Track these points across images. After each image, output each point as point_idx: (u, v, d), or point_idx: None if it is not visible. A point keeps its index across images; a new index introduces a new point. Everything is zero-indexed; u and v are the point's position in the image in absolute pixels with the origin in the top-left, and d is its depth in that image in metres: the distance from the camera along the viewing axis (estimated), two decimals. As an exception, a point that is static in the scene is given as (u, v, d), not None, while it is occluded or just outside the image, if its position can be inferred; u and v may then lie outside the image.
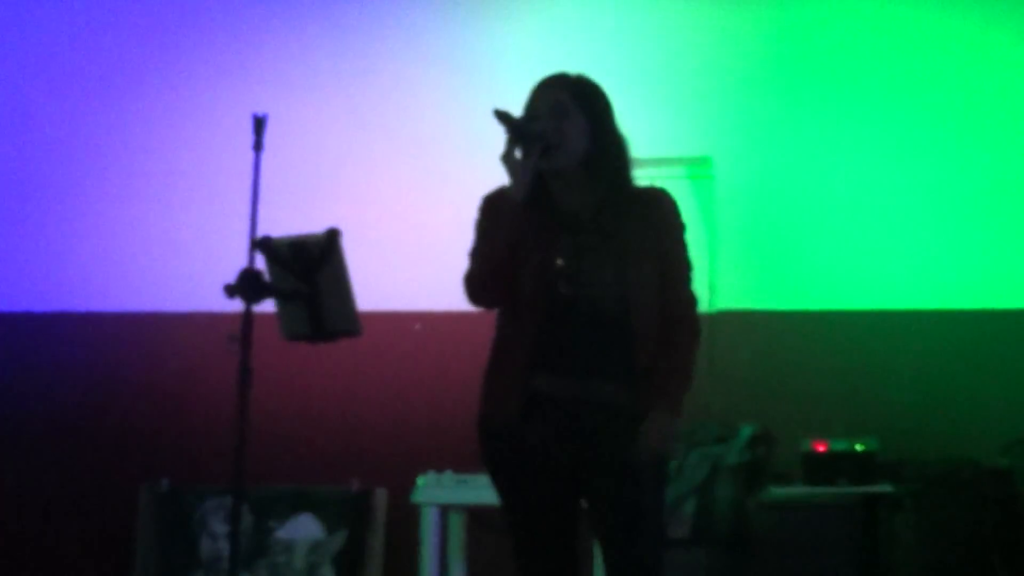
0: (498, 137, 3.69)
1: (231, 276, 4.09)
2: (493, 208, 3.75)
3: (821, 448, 6.58)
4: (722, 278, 7.07)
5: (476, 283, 3.69)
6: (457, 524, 6.26)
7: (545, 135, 3.66)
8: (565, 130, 3.69)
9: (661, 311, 3.72)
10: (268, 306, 4.19)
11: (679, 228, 3.82)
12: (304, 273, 4.03)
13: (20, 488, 7.29)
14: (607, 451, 3.65)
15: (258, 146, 4.13)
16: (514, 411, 3.67)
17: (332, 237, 4.06)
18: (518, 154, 3.65)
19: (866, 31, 7.40)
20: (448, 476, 6.11)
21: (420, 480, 6.18)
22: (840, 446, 6.57)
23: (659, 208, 3.81)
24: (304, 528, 7.09)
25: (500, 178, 3.74)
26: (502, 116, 3.64)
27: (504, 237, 3.63)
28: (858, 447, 6.56)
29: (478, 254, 3.71)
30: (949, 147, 7.30)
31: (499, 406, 3.71)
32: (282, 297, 4.05)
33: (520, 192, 3.62)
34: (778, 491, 6.57)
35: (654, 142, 7.02)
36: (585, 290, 3.67)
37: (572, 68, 3.86)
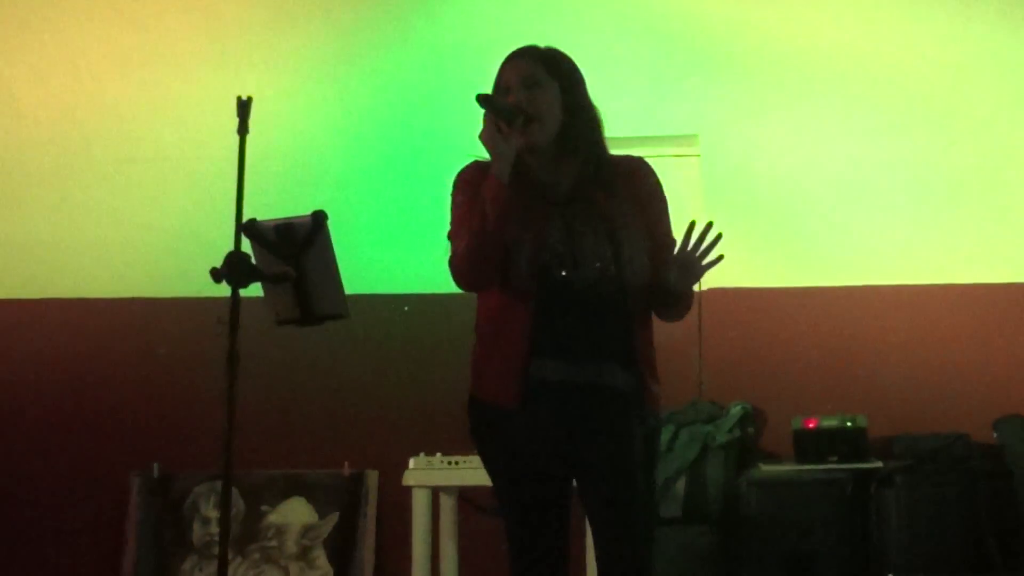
0: (480, 118, 3.66)
1: (217, 260, 4.07)
2: (470, 185, 3.69)
3: (811, 425, 6.60)
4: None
5: (466, 265, 3.62)
6: (448, 506, 6.26)
7: (521, 108, 3.62)
8: (539, 102, 3.65)
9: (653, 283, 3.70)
10: (256, 290, 4.17)
11: (661, 197, 3.79)
12: (291, 256, 4.01)
13: (10, 475, 7.28)
14: (604, 433, 3.63)
15: (243, 129, 4.11)
16: (513, 398, 3.63)
17: (318, 220, 4.04)
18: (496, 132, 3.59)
19: (854, 7, 7.39)
20: (439, 458, 6.10)
21: (411, 462, 6.17)
22: (830, 423, 6.58)
23: (641, 178, 3.78)
24: (296, 512, 7.09)
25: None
26: (484, 98, 3.60)
27: (495, 217, 3.55)
28: (848, 424, 6.57)
29: (466, 234, 3.63)
30: (936, 121, 7.29)
31: (497, 392, 3.67)
32: (269, 281, 4.03)
33: (506, 170, 3.57)
34: (769, 469, 6.59)
35: (640, 120, 7.04)
36: (581, 272, 3.64)
37: (559, 45, 3.83)
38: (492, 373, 3.69)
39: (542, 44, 3.80)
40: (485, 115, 3.61)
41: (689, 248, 3.61)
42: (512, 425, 3.65)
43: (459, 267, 3.65)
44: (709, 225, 3.63)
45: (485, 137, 3.60)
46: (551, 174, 3.70)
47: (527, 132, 3.61)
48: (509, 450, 3.69)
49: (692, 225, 3.61)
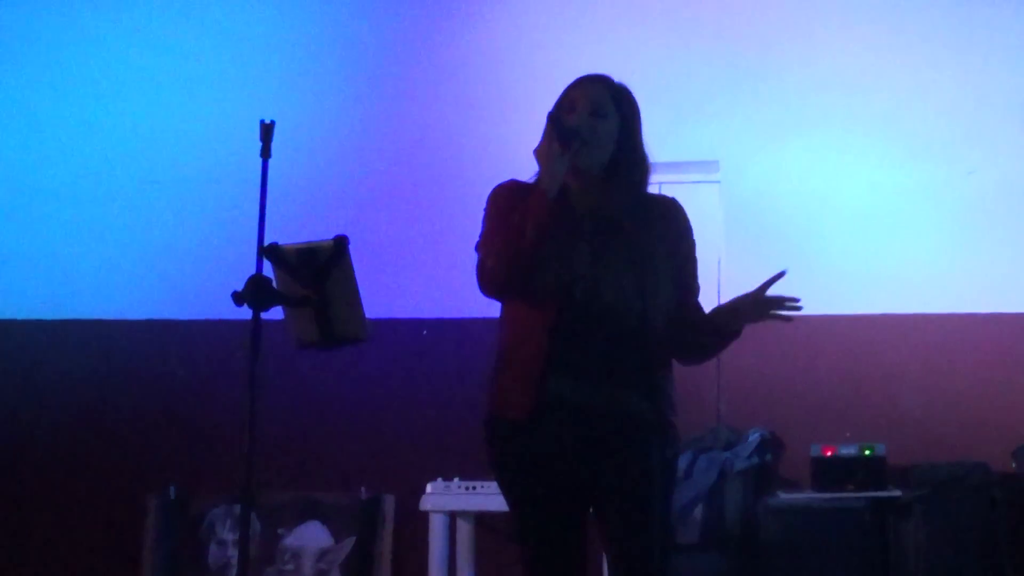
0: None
1: (239, 283, 4.07)
2: (507, 200, 3.74)
3: (829, 453, 6.57)
4: (728, 282, 7.05)
5: (497, 271, 3.65)
6: (465, 531, 6.26)
7: (582, 130, 3.66)
8: (599, 129, 3.71)
9: (678, 317, 3.73)
10: (276, 313, 4.18)
11: (692, 240, 3.85)
12: (312, 280, 4.01)
13: (28, 496, 7.29)
14: (621, 459, 3.63)
15: (266, 153, 4.11)
16: (525, 412, 3.64)
17: (340, 244, 4.04)
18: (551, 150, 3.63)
19: (869, 35, 7.39)
20: (456, 483, 6.10)
21: (428, 487, 6.17)
22: (849, 451, 6.56)
23: (674, 217, 3.84)
24: (312, 535, 7.09)
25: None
26: (553, 116, 3.65)
27: (534, 230, 3.58)
28: (867, 451, 6.55)
29: (500, 244, 3.65)
30: (956, 148, 7.29)
31: (509, 406, 3.68)
32: (290, 304, 4.04)
33: (553, 187, 3.60)
34: (787, 496, 6.56)
35: (661, 146, 7.03)
36: (602, 296, 3.65)
37: (579, 72, 3.86)
38: (507, 386, 3.71)
39: (566, 68, 3.84)
40: (545, 132, 3.66)
41: (765, 295, 3.66)
42: (526, 439, 3.66)
43: (490, 271, 3.68)
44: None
45: (540, 152, 3.63)
46: (588, 201, 3.73)
47: (578, 154, 3.63)
48: (523, 466, 3.69)
49: (783, 273, 3.67)
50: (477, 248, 3.77)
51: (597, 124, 3.72)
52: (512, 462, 3.73)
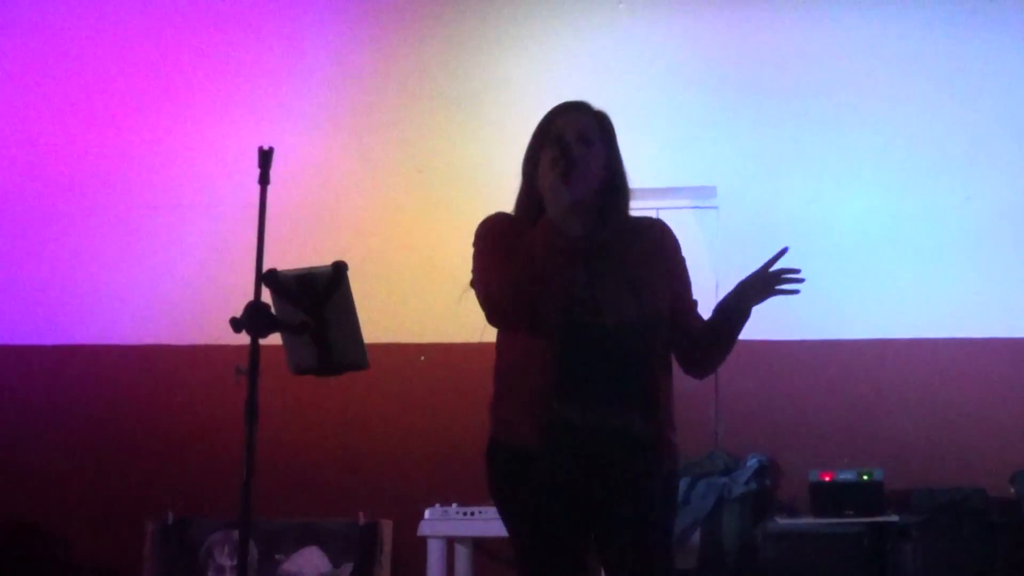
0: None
1: (238, 309, 4.08)
2: (502, 233, 3.73)
3: (827, 478, 6.57)
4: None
5: (507, 302, 3.63)
6: (463, 557, 6.25)
7: (579, 160, 3.67)
8: (589, 158, 3.72)
9: (687, 331, 3.77)
10: (275, 339, 4.19)
11: (681, 257, 3.86)
12: (311, 306, 4.01)
13: (27, 519, 7.28)
14: (623, 480, 3.64)
15: (264, 179, 4.12)
16: (533, 438, 3.63)
17: (338, 270, 4.05)
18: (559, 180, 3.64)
19: (870, 63, 7.42)
20: (454, 509, 6.10)
21: (426, 513, 6.16)
22: (847, 476, 6.56)
23: (662, 237, 3.85)
24: (310, 561, 7.08)
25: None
26: (562, 151, 3.65)
27: (544, 259, 3.59)
28: (865, 477, 6.55)
29: (511, 277, 3.63)
30: (954, 174, 7.31)
31: (516, 434, 3.67)
32: (289, 331, 4.04)
33: (562, 216, 3.61)
34: (785, 521, 6.56)
35: (659, 172, 7.06)
36: (604, 319, 3.66)
37: (581, 98, 3.87)
38: (513, 414, 3.69)
39: (562, 96, 3.85)
40: (542, 161, 3.68)
41: (771, 269, 3.72)
42: (533, 467, 3.65)
43: (499, 302, 3.65)
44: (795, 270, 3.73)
45: (547, 184, 3.65)
46: (579, 226, 3.74)
47: (576, 183, 3.65)
48: (529, 494, 3.67)
49: (785, 250, 3.74)
50: (476, 283, 3.74)
51: (588, 152, 3.74)
52: (517, 489, 3.70)
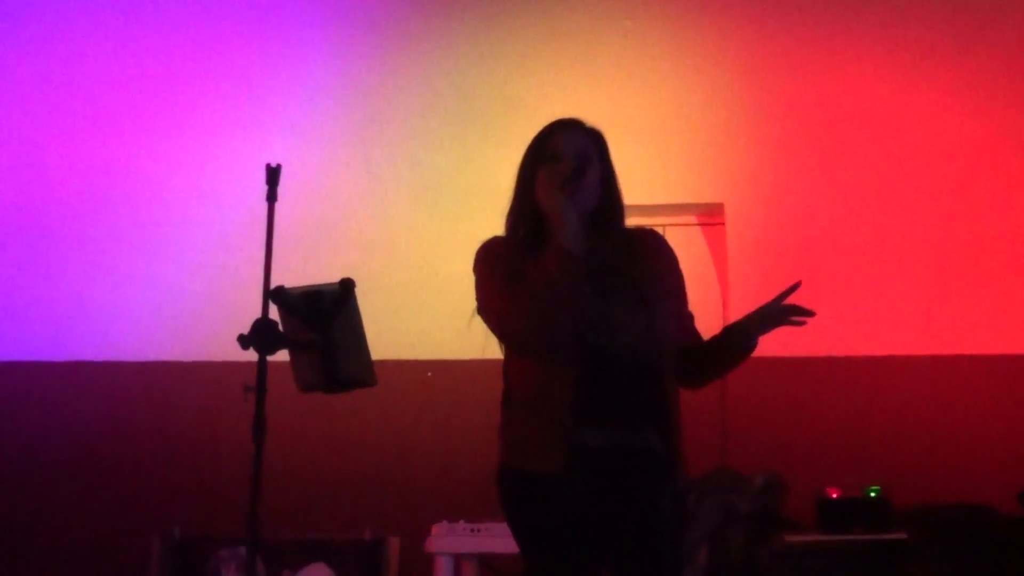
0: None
1: (245, 325, 4.08)
2: (503, 258, 3.72)
3: (834, 495, 6.56)
4: (734, 324, 7.07)
5: (528, 338, 3.63)
6: (470, 573, 6.24)
7: (581, 179, 3.69)
8: (588, 176, 3.72)
9: (684, 346, 3.79)
10: (283, 355, 4.19)
11: (678, 270, 3.87)
12: (318, 324, 4.02)
13: (34, 537, 7.29)
14: (636, 498, 3.64)
15: (272, 196, 4.14)
16: (551, 463, 3.61)
17: (346, 287, 4.06)
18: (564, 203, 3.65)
19: (875, 81, 7.42)
20: (462, 525, 6.09)
21: (434, 529, 6.16)
22: (854, 493, 6.55)
23: (658, 247, 3.86)
24: (317, 577, 7.07)
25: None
26: (573, 173, 3.67)
27: (569, 284, 3.58)
28: (872, 494, 6.54)
29: (523, 310, 3.61)
30: (958, 192, 7.31)
31: (533, 458, 3.65)
32: (296, 348, 4.05)
33: (572, 239, 3.61)
34: (792, 538, 6.55)
35: (667, 189, 7.07)
36: (617, 338, 3.66)
37: (587, 116, 3.88)
38: (528, 439, 3.67)
39: (570, 113, 3.85)
40: (544, 179, 3.67)
41: (784, 303, 3.73)
42: (548, 491, 3.64)
43: (521, 336, 3.66)
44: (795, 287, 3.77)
45: (551, 204, 3.65)
46: (582, 243, 3.73)
47: (577, 203, 3.66)
48: (545, 518, 3.67)
49: (798, 284, 3.76)
50: (488, 314, 3.73)
51: (586, 170, 3.73)
52: (533, 514, 3.69)
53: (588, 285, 3.67)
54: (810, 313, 3.73)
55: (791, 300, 3.75)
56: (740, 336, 3.76)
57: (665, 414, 3.69)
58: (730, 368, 3.85)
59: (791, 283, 3.78)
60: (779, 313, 3.74)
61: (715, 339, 3.81)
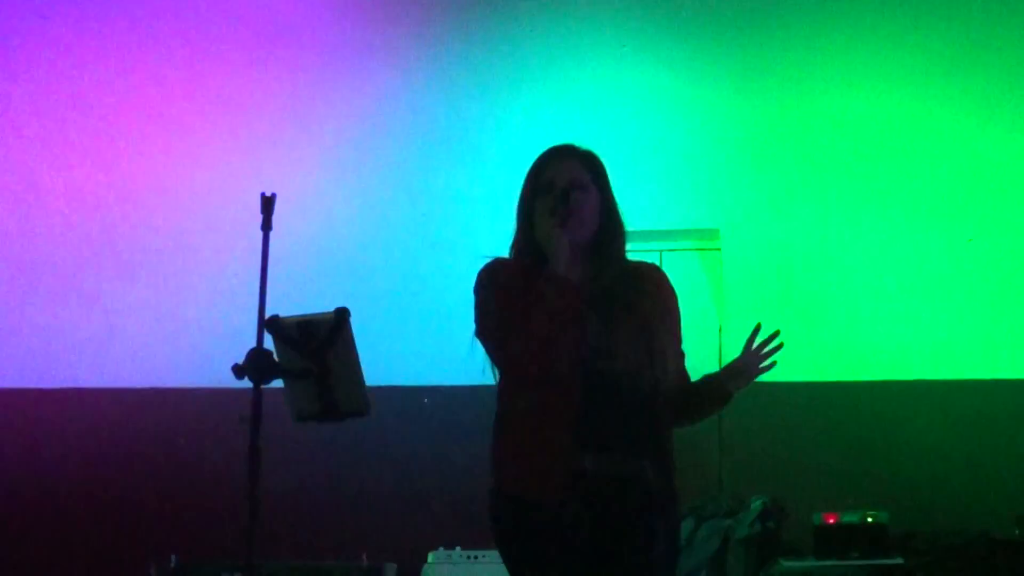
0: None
1: (240, 351, 4.08)
2: (504, 282, 3.72)
3: (832, 520, 6.55)
4: (730, 349, 7.06)
5: (529, 366, 3.63)
6: (467, 600, 6.23)
7: (575, 206, 3.68)
8: (583, 204, 3.71)
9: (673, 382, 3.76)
10: (278, 382, 4.18)
11: (676, 307, 3.84)
12: (313, 353, 4.01)
13: (29, 564, 7.27)
14: (631, 526, 3.62)
15: (267, 225, 4.13)
16: (557, 491, 3.60)
17: (341, 316, 4.04)
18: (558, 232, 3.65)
19: (871, 105, 7.44)
20: (458, 552, 6.08)
21: (430, 556, 6.14)
22: (851, 518, 6.53)
23: (660, 283, 3.84)
24: (313, 604, 7.05)
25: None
26: (559, 202, 3.65)
27: (557, 318, 3.59)
28: (869, 519, 6.53)
29: (524, 338, 3.62)
30: (957, 216, 7.32)
31: (527, 483, 3.64)
32: (291, 377, 4.03)
33: (569, 268, 3.62)
34: (789, 564, 6.53)
35: (662, 214, 7.07)
36: (618, 366, 3.65)
37: (583, 141, 3.87)
38: (529, 466, 3.65)
39: (564, 139, 3.84)
40: (539, 211, 3.68)
41: (752, 350, 3.67)
42: (543, 518, 3.63)
43: (522, 363, 3.65)
44: (774, 334, 3.69)
45: (545, 234, 3.65)
46: (580, 274, 3.72)
47: (573, 232, 3.66)
48: (537, 544, 3.65)
49: (758, 328, 3.68)
50: (488, 339, 3.73)
51: (581, 198, 3.72)
52: (525, 540, 3.67)
53: (591, 313, 3.67)
54: (779, 344, 3.68)
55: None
56: (715, 388, 3.74)
57: (660, 444, 3.69)
58: (707, 414, 3.84)
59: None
60: (747, 368, 3.69)
61: (695, 384, 3.80)
